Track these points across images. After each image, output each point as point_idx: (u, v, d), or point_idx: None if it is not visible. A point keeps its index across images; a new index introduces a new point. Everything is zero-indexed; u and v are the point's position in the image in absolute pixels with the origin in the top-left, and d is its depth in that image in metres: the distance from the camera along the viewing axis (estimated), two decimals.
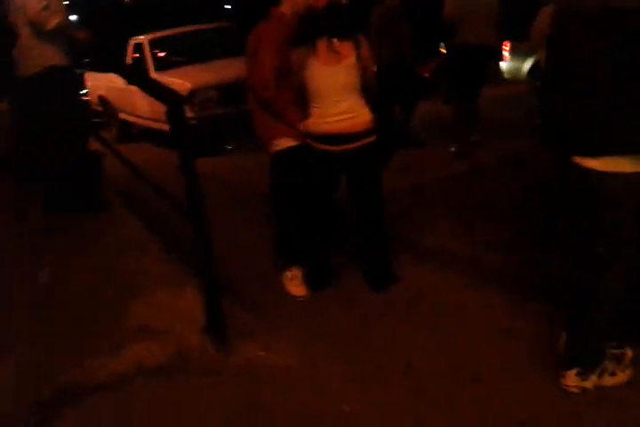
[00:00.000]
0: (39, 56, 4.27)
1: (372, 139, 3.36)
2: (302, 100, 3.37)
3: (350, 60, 3.24)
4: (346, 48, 3.24)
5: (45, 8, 4.11)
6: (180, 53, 8.75)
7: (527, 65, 9.33)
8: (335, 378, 2.80)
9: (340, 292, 3.62)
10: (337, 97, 3.27)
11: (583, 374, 2.53)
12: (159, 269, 3.35)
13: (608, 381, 2.55)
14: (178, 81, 7.50)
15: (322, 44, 3.24)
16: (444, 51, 6.33)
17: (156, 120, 7.62)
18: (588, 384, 2.53)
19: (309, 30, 3.27)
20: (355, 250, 3.77)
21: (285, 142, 3.45)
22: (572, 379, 2.54)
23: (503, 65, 9.79)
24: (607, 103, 2.16)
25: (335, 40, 3.23)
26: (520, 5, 6.94)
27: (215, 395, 2.70)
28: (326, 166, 3.42)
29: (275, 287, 3.67)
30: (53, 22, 4.16)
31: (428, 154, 6.25)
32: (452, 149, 6.19)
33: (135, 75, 7.20)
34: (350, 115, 3.28)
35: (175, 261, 3.49)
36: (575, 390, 2.54)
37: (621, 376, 2.57)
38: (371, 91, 3.40)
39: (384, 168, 3.82)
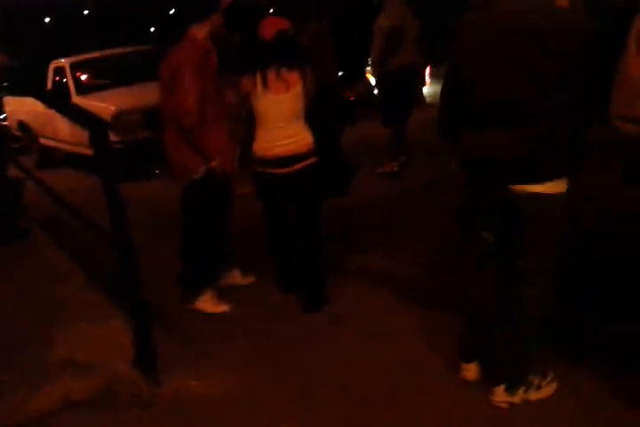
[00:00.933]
0: None
1: (312, 160, 3.50)
2: (250, 125, 3.51)
3: (297, 88, 3.40)
4: (293, 77, 3.38)
5: None
6: (102, 77, 8.60)
7: None
8: (270, 400, 2.77)
9: (270, 313, 3.60)
10: (282, 123, 3.43)
11: (511, 390, 2.59)
12: (83, 298, 3.24)
13: (534, 395, 2.62)
14: (101, 105, 7.36)
15: (271, 73, 3.37)
16: (369, 75, 6.42)
17: (79, 144, 7.42)
18: (516, 399, 2.60)
19: (259, 59, 3.41)
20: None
21: (203, 171, 3.43)
22: (500, 394, 2.60)
23: (424, 89, 10.02)
24: (550, 134, 2.27)
25: (284, 69, 3.36)
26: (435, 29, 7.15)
27: None
28: (271, 189, 3.57)
29: (201, 313, 3.62)
30: None
31: (359, 175, 6.32)
32: (379, 171, 6.29)
33: (57, 100, 7.04)
34: (295, 138, 3.44)
35: (100, 291, 3.38)
36: (504, 405, 2.60)
37: (546, 390, 2.64)
38: (310, 115, 3.54)
39: (343, 196, 3.92)
